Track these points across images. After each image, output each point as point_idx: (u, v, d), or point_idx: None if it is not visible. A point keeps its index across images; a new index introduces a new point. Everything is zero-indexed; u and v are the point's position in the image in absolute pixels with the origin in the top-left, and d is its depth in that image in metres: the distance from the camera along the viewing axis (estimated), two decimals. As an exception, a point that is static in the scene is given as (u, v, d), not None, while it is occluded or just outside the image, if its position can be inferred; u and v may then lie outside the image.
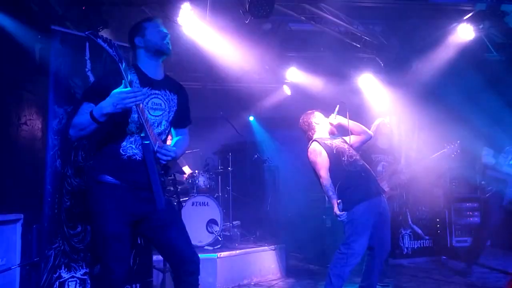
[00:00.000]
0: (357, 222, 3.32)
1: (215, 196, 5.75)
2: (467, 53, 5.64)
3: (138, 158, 2.34)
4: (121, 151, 2.32)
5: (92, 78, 4.01)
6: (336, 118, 3.72)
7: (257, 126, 8.14)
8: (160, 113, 2.43)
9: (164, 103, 2.47)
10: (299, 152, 7.47)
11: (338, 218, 3.33)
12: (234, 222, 5.87)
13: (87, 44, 3.83)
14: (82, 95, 2.34)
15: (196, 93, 7.35)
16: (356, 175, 3.41)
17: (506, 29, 5.58)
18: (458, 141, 4.41)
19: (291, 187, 7.00)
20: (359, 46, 6.25)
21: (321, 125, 3.74)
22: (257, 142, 7.68)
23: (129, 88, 2.14)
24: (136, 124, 2.33)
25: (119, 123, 2.30)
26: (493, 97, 5.64)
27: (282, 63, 6.91)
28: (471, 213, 6.36)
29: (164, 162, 2.38)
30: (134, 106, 2.21)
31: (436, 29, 5.64)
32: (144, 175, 2.30)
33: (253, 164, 6.85)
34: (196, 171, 5.80)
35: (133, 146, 2.33)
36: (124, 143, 2.32)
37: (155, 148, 2.32)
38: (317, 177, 3.52)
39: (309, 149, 3.62)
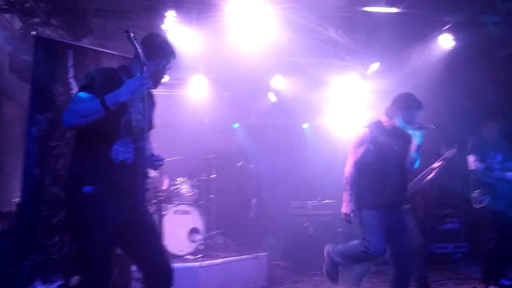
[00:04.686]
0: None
1: (198, 204, 5.73)
2: (447, 63, 5.74)
3: (129, 162, 2.32)
4: (112, 154, 2.28)
5: (74, 85, 3.99)
6: (418, 132, 3.54)
7: (241, 133, 8.16)
8: (142, 118, 2.44)
9: (145, 108, 2.48)
10: (284, 159, 7.57)
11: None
12: (216, 231, 5.86)
13: (70, 51, 3.81)
14: (83, 86, 2.26)
15: (180, 100, 7.38)
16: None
17: (484, 39, 5.70)
18: (456, 145, 4.44)
19: (275, 195, 7.03)
20: (342, 53, 6.33)
21: (398, 119, 3.55)
22: (242, 149, 7.69)
23: (144, 74, 2.25)
24: (127, 125, 2.32)
25: (112, 124, 2.27)
26: (471, 105, 5.75)
27: (267, 70, 6.95)
28: (450, 220, 6.44)
29: (155, 169, 2.44)
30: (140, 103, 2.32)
31: (417, 38, 5.73)
32: (131, 179, 2.29)
33: (237, 172, 6.86)
34: (179, 178, 5.78)
35: (123, 149, 2.31)
36: (115, 146, 2.29)
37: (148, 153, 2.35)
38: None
39: (357, 132, 3.62)
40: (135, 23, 5.50)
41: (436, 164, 4.50)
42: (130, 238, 2.39)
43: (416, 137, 3.56)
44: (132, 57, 2.53)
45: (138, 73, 2.28)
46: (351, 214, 3.46)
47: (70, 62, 3.81)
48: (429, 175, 4.55)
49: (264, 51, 5.76)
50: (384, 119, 3.63)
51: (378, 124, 3.62)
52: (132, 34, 2.27)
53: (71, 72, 3.82)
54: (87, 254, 2.25)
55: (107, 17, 5.46)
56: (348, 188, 3.47)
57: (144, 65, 2.26)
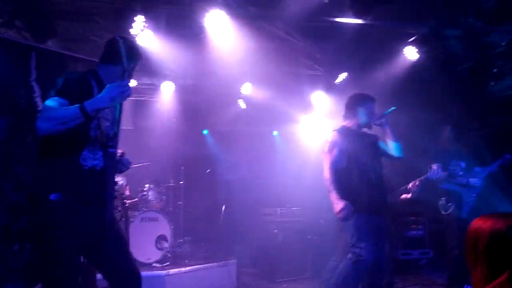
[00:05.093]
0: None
1: (165, 211, 5.64)
2: (411, 74, 5.93)
3: (98, 168, 2.27)
4: (81, 160, 2.22)
5: (37, 89, 3.86)
6: (383, 119, 3.56)
7: (211, 140, 8.12)
8: (109, 124, 2.40)
9: (112, 113, 2.44)
10: (253, 166, 7.58)
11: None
12: (185, 238, 5.78)
13: (33, 53, 3.69)
14: (57, 91, 2.18)
15: (149, 105, 7.28)
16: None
17: (447, 52, 5.94)
18: (440, 164, 4.47)
19: (245, 201, 7.01)
20: (311, 62, 6.45)
21: (360, 116, 3.56)
22: (211, 155, 7.65)
23: (126, 80, 2.15)
24: (96, 131, 2.27)
25: (81, 130, 2.20)
26: (432, 116, 5.95)
27: (237, 78, 6.97)
28: (415, 227, 6.59)
29: (123, 172, 2.40)
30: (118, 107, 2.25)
31: (382, 50, 5.89)
32: (99, 186, 2.24)
33: (206, 178, 6.81)
34: (147, 185, 5.68)
35: (92, 156, 2.26)
36: (84, 152, 2.24)
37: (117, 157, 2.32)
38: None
39: (326, 137, 3.55)
40: (102, 26, 5.40)
41: (413, 184, 4.53)
42: (97, 246, 2.33)
43: (386, 128, 3.58)
44: (99, 61, 2.47)
45: (118, 80, 2.20)
46: (346, 209, 3.29)
47: (33, 65, 3.69)
48: (404, 193, 4.60)
49: (234, 58, 5.79)
50: (346, 123, 3.68)
51: (343, 128, 3.66)
52: (121, 40, 2.21)
53: (33, 75, 3.70)
54: (53, 262, 2.18)
55: (73, 19, 5.34)
56: (332, 188, 3.37)
57: (126, 70, 2.20)
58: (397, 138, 3.61)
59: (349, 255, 3.33)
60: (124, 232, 2.50)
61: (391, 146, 3.60)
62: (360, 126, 3.60)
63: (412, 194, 4.49)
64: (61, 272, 2.17)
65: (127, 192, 5.78)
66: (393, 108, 3.57)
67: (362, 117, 3.56)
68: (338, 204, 3.32)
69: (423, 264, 6.53)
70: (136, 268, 2.41)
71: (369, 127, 3.67)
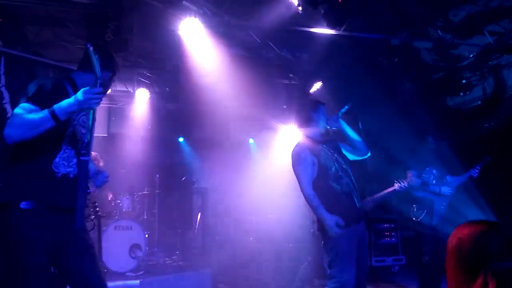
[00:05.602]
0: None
1: (140, 220, 5.57)
2: (384, 84, 6.06)
3: (71, 176, 2.22)
4: (53, 167, 2.17)
5: (6, 94, 3.77)
6: (340, 120, 3.33)
7: (186, 147, 8.07)
8: (85, 131, 2.36)
9: (88, 122, 2.39)
10: (229, 174, 7.58)
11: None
12: (159, 247, 5.72)
13: (2, 59, 3.61)
14: (28, 97, 2.13)
15: (123, 112, 7.20)
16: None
17: (418, 62, 6.12)
18: (408, 180, 4.54)
19: (220, 209, 7.00)
20: (286, 71, 6.53)
21: (318, 123, 3.31)
22: (186, 163, 7.61)
23: (97, 88, 2.09)
24: (70, 138, 2.23)
25: (55, 137, 2.15)
26: (408, 126, 6.09)
27: (213, 86, 6.97)
28: (389, 234, 6.69)
29: (100, 187, 2.37)
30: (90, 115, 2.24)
31: (355, 60, 6.02)
32: (71, 194, 2.19)
33: (182, 186, 6.77)
34: (121, 193, 5.59)
35: (65, 163, 2.21)
36: (56, 159, 2.19)
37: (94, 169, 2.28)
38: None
39: (293, 152, 3.27)
40: (74, 31, 5.33)
41: (389, 189, 4.63)
42: (65, 257, 2.27)
43: (344, 128, 3.38)
44: (77, 67, 2.43)
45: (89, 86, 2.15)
46: (336, 224, 2.98)
47: (2, 70, 3.61)
48: (380, 199, 4.72)
49: (209, 66, 5.80)
50: (306, 132, 3.38)
51: (306, 138, 3.36)
52: (91, 48, 2.16)
53: (2, 81, 3.61)
54: (21, 275, 2.10)
55: (43, 24, 5.25)
56: (316, 203, 3.07)
57: (99, 79, 2.15)
58: (359, 137, 3.38)
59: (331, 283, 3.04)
60: (93, 243, 2.44)
61: (355, 147, 3.40)
62: (321, 133, 3.36)
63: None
64: (30, 282, 2.10)
65: (106, 199, 5.64)
66: (347, 106, 3.36)
67: (321, 123, 3.33)
68: (330, 221, 2.99)
69: (396, 271, 6.63)
70: (102, 281, 2.36)
71: (328, 132, 3.40)
